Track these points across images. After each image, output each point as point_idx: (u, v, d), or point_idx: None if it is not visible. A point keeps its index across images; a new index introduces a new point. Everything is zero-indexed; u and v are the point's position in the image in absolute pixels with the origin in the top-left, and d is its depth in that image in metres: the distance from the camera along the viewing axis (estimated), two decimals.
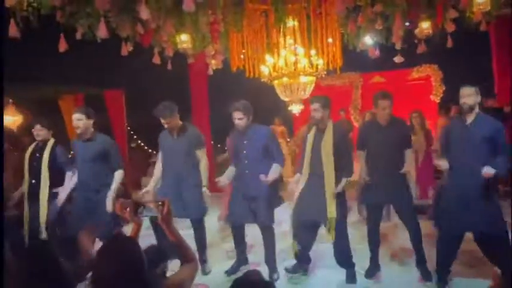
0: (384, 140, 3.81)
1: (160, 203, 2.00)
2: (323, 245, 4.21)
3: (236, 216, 4.09)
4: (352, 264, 3.87)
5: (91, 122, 4.05)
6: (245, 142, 3.99)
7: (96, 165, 4.03)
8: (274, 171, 3.89)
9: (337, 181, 3.67)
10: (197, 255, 4.12)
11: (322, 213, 3.67)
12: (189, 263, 2.04)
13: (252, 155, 3.96)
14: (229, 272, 4.13)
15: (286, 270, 4.00)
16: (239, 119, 3.92)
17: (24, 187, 4.37)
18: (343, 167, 3.73)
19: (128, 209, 2.15)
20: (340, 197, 3.73)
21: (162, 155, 4.30)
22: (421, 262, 3.85)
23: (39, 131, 4.38)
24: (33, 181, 4.32)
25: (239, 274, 3.85)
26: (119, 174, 4.11)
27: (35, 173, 4.32)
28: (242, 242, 4.27)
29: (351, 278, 3.83)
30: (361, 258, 4.02)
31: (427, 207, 5.83)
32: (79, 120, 4.00)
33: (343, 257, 3.85)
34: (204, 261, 4.28)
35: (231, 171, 4.15)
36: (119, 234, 1.91)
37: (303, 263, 4.02)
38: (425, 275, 3.78)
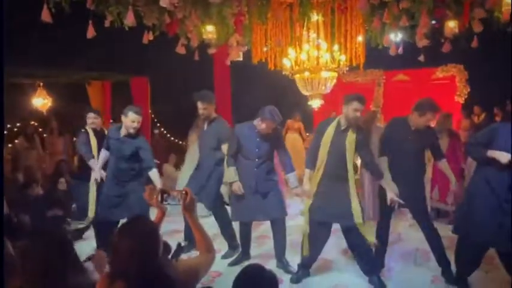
0: (410, 143, 3.72)
1: (183, 191, 2.03)
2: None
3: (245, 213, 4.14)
4: (379, 270, 3.79)
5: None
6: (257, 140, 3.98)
7: (129, 162, 4.10)
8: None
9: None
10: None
11: (347, 216, 3.57)
12: (207, 253, 2.06)
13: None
14: (231, 263, 4.23)
15: (291, 280, 3.87)
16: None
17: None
18: (371, 169, 3.70)
19: (155, 196, 2.29)
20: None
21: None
22: (443, 265, 3.76)
23: (95, 119, 4.71)
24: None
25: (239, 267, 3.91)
26: (154, 173, 4.04)
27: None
28: (247, 238, 4.30)
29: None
30: None
31: (448, 212, 5.76)
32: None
33: (370, 261, 3.72)
34: (234, 247, 4.43)
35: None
36: (139, 216, 1.98)
37: (306, 267, 3.91)
38: (449, 279, 3.70)
